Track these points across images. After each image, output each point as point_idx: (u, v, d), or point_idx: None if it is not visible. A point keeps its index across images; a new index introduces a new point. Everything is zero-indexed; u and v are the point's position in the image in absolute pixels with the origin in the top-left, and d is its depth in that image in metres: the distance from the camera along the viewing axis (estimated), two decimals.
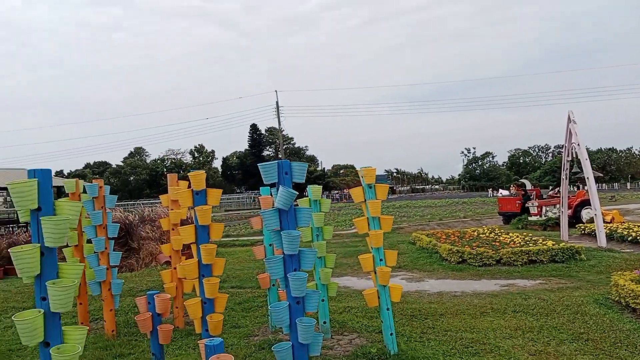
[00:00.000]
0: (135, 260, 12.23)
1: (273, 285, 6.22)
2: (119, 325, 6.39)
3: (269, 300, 6.25)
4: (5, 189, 27.70)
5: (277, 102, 54.45)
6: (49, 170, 2.86)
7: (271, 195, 5.68)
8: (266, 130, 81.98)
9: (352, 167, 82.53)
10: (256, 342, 5.74)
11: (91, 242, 6.23)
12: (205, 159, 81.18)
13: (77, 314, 6.43)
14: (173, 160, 79.27)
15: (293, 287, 3.72)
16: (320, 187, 5.82)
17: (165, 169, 75.99)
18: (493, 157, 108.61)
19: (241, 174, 79.05)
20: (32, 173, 2.80)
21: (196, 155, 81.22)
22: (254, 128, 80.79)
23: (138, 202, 53.39)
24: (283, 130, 50.88)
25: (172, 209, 6.45)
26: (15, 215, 28.66)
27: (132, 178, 77.25)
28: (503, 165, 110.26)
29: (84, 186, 6.10)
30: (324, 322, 5.77)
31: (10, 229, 22.89)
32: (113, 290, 6.13)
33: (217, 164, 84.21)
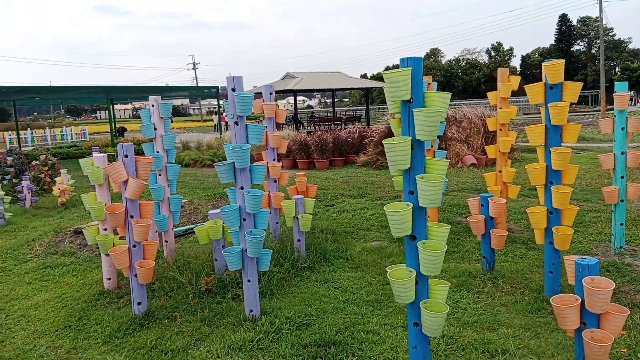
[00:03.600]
0: None
1: (622, 200, 5.21)
2: (446, 222, 6.49)
3: (615, 217, 5.29)
4: (320, 90, 31.76)
5: None
6: (420, 59, 2.67)
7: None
8: (578, 21, 70.40)
9: None
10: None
11: None
12: (502, 58, 75.85)
13: None
14: (468, 60, 76.78)
15: None
16: None
17: (460, 70, 74.58)
18: None
19: None
20: (405, 61, 2.65)
21: (493, 53, 76.54)
22: (563, 19, 70.40)
23: None
24: (603, 21, 42.36)
25: (500, 108, 5.91)
26: (332, 114, 32.79)
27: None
28: None
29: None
30: None
31: (330, 125, 26.33)
32: None
33: (516, 62, 77.86)
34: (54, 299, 4.94)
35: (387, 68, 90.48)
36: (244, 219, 3.94)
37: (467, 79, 72.02)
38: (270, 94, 5.76)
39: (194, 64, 72.74)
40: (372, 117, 32.43)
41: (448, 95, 2.72)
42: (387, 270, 2.90)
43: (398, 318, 4.06)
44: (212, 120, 46.53)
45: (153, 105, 5.40)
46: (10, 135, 29.93)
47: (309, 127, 27.80)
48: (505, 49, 76.31)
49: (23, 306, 4.82)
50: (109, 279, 4.97)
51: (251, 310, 4.07)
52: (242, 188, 3.91)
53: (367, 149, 13.58)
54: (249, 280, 4.03)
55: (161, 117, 5.44)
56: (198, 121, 65.55)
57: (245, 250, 3.96)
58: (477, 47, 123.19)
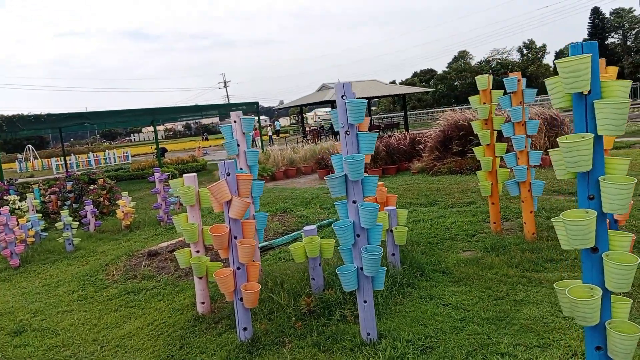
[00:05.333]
0: None
1: None
2: (540, 227, 6.06)
3: None
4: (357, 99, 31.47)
5: None
6: (596, 44, 2.34)
7: None
8: (611, 13, 68.36)
9: None
10: None
11: (502, 141, 5.95)
12: (535, 55, 74.26)
13: (490, 214, 6.41)
14: (498, 61, 75.46)
15: None
16: None
17: (491, 70, 73.31)
18: None
19: None
20: (579, 47, 2.32)
21: (524, 52, 75.01)
22: (595, 12, 68.52)
23: (464, 106, 53.39)
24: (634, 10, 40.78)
25: None
26: (370, 122, 32.46)
27: (457, 83, 77.77)
28: None
29: (502, 81, 5.71)
30: None
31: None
32: (533, 192, 5.75)
33: (549, 59, 76.11)
34: (146, 326, 4.75)
35: (415, 74, 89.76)
36: (358, 235, 3.65)
37: (499, 79, 70.66)
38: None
39: (225, 82, 73.72)
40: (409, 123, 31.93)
41: (629, 83, 2.37)
42: (555, 287, 2.55)
43: (530, 337, 3.68)
44: None
45: (235, 121, 5.20)
46: (56, 161, 30.74)
47: None
48: (537, 47, 74.72)
49: (116, 335, 4.64)
50: (203, 303, 4.74)
51: (368, 334, 3.75)
52: (354, 202, 3.63)
53: (421, 155, 13.19)
54: (365, 301, 3.72)
55: (243, 133, 5.24)
56: None
57: (361, 268, 3.66)
58: (507, 46, 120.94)
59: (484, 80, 6.00)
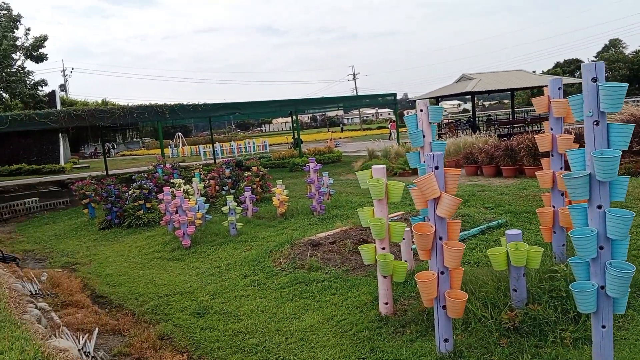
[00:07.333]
0: None
1: None
2: None
3: None
4: (501, 90, 29.38)
5: None
6: None
7: None
8: None
9: None
10: None
11: None
12: None
13: None
14: None
15: None
16: None
17: None
18: None
19: None
20: None
21: None
22: None
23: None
24: None
25: None
26: (511, 115, 30.17)
27: (607, 74, 69.87)
28: None
29: None
30: None
31: (511, 128, 24.21)
32: None
33: None
34: (326, 321, 4.59)
35: (558, 64, 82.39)
36: (601, 247, 3.04)
37: None
38: (559, 88, 4.80)
39: (354, 75, 74.28)
40: None
41: None
42: None
43: None
44: (369, 129, 47.07)
45: (422, 110, 4.80)
46: (203, 148, 33.25)
47: (487, 131, 25.91)
48: None
49: (298, 328, 4.54)
50: (386, 303, 4.44)
51: None
52: (599, 207, 3.02)
53: None
54: (603, 326, 3.11)
55: (430, 123, 4.83)
56: (357, 130, 66.48)
57: (601, 287, 3.05)
58: None
59: None
